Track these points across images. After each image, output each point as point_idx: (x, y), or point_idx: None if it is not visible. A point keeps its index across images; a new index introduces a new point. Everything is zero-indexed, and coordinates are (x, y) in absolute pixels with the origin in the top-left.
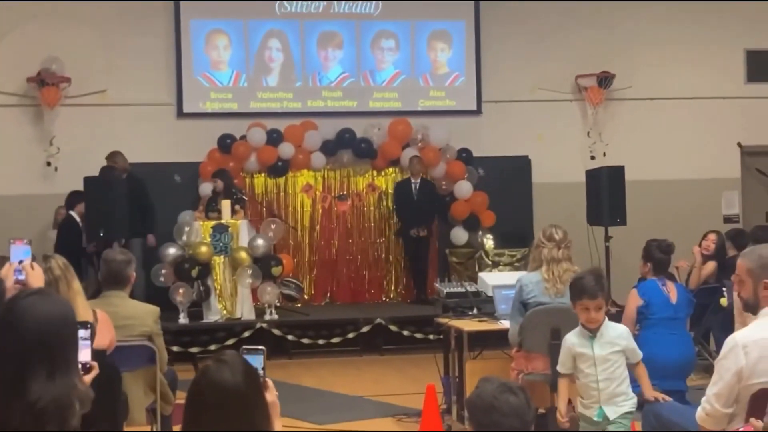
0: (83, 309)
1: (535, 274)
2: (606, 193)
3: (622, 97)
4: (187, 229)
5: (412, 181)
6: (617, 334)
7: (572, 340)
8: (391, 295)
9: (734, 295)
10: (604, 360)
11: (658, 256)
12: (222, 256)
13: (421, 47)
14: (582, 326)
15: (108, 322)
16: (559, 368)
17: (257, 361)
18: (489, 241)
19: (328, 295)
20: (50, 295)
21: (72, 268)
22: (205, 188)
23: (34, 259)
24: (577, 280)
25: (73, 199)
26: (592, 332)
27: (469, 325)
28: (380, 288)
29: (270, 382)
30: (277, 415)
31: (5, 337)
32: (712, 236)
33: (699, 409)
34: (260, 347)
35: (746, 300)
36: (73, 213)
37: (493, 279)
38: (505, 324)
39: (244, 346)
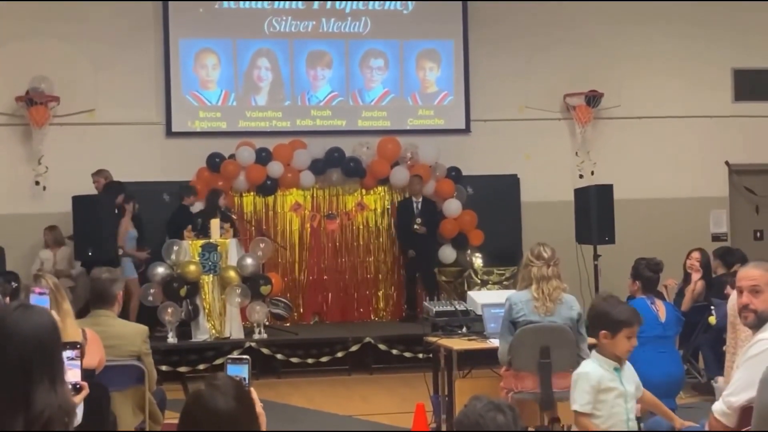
0: (72, 329)
1: (525, 293)
2: (594, 212)
3: (610, 116)
4: (175, 248)
5: (414, 200)
6: (630, 367)
7: (598, 373)
8: (381, 314)
9: (728, 308)
10: (632, 396)
11: (647, 274)
12: (211, 275)
13: (409, 66)
14: (606, 358)
15: (97, 341)
16: (578, 407)
17: (242, 370)
18: (478, 260)
19: (317, 314)
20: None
21: (63, 288)
22: (196, 207)
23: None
24: (613, 309)
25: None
26: (621, 364)
27: (458, 343)
28: (369, 307)
29: (254, 392)
30: (264, 425)
31: (4, 350)
32: (696, 254)
33: (717, 404)
34: (245, 357)
35: (762, 312)
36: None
37: (482, 298)
38: (494, 343)
39: (229, 356)
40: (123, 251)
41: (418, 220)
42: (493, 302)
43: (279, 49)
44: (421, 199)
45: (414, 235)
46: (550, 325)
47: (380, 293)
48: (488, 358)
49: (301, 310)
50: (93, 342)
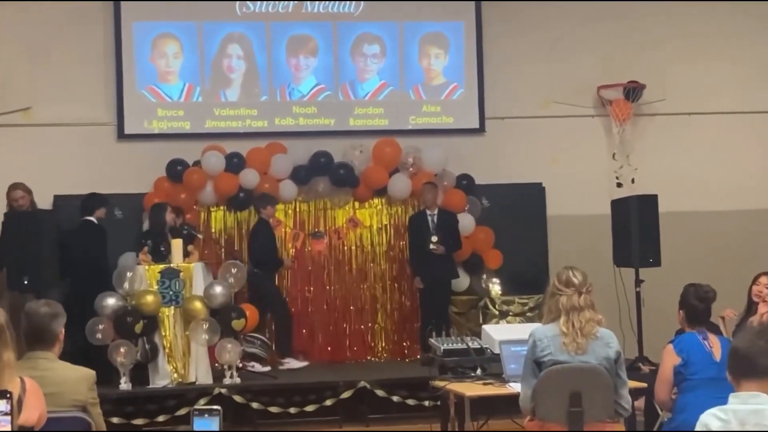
0: (9, 379)
1: (552, 327)
2: (636, 228)
3: (653, 112)
4: (129, 274)
5: (428, 213)
6: None
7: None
8: (378, 354)
9: None
10: None
11: (693, 303)
12: (172, 308)
13: (411, 53)
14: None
15: (38, 393)
16: None
17: (211, 423)
18: (495, 287)
19: (302, 353)
20: None
21: (8, 331)
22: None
23: None
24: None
25: (92, 203)
26: None
27: (471, 389)
28: (364, 344)
29: None
30: None
31: None
32: (764, 279)
33: None
34: (215, 407)
35: None
36: (92, 218)
37: (500, 333)
38: (515, 387)
39: (196, 407)
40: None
41: (434, 238)
42: (514, 338)
43: (254, 33)
44: (436, 212)
45: (430, 256)
46: (582, 365)
47: (378, 328)
48: (508, 405)
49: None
50: (33, 394)
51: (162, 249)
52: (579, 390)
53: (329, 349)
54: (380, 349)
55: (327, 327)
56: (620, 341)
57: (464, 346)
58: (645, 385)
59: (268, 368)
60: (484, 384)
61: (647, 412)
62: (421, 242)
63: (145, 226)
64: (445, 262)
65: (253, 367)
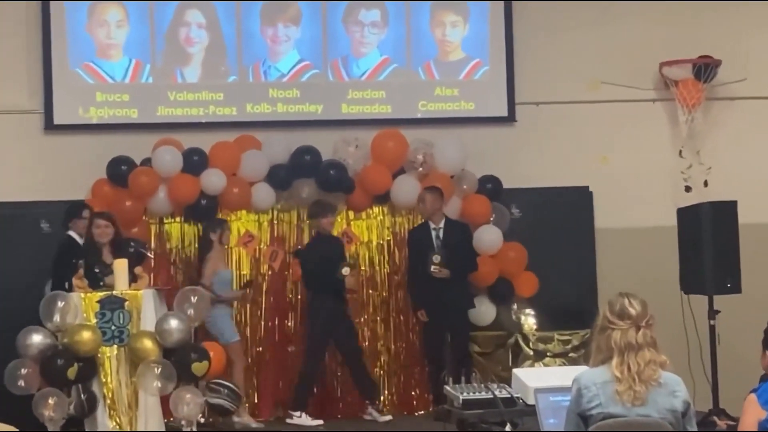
0: None
1: (602, 371)
2: (709, 244)
3: (731, 95)
4: (60, 304)
5: (432, 226)
6: None
7: None
8: (380, 406)
9: None
10: None
11: None
12: (114, 347)
13: (421, 21)
14: None
15: None
16: None
17: None
18: (529, 320)
19: (281, 405)
20: None
21: None
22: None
23: None
24: None
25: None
26: None
27: None
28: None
29: None
30: None
31: None
32: None
33: None
34: None
35: None
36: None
37: (535, 378)
38: None
39: None
40: (218, 298)
41: (436, 258)
42: (553, 385)
43: None
44: (442, 224)
45: (436, 281)
46: (641, 420)
47: (379, 373)
48: None
49: (255, 399)
50: None
51: (96, 270)
52: None
53: (316, 400)
54: (382, 400)
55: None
56: (689, 389)
57: (489, 396)
58: None
59: (319, 422)
60: None
61: None
62: (420, 259)
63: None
64: (457, 289)
65: (299, 416)
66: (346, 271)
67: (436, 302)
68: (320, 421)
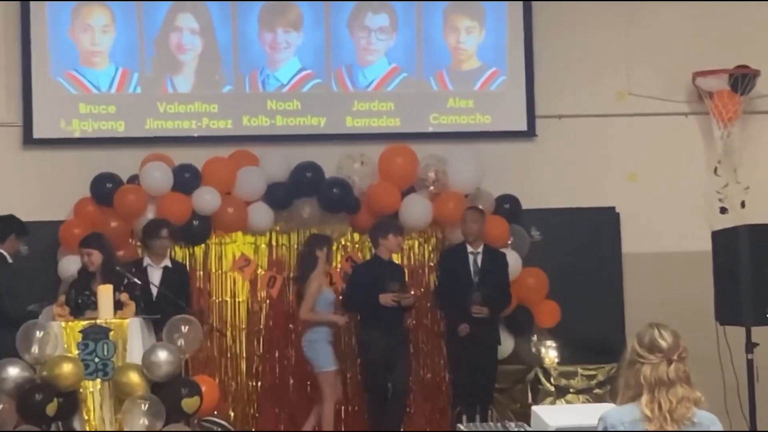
0: None
1: (630, 409)
2: (747, 270)
3: None
4: (39, 334)
5: (470, 250)
6: None
7: None
8: None
9: None
10: None
11: None
12: (98, 381)
13: (433, 26)
14: None
15: None
16: None
17: None
18: (550, 353)
19: None
20: None
21: None
22: (70, 265)
23: None
24: None
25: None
26: None
27: None
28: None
29: None
30: None
31: None
32: None
33: None
34: None
35: None
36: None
37: (556, 416)
38: None
39: None
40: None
41: (477, 295)
42: (576, 425)
43: None
44: (481, 249)
45: (464, 311)
46: None
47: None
48: None
49: None
50: None
51: (79, 301)
52: None
53: None
54: None
55: (315, 407)
56: (726, 429)
57: None
58: None
59: None
60: None
61: None
62: (454, 285)
63: (66, 266)
64: (487, 324)
65: None
66: (394, 285)
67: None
68: None
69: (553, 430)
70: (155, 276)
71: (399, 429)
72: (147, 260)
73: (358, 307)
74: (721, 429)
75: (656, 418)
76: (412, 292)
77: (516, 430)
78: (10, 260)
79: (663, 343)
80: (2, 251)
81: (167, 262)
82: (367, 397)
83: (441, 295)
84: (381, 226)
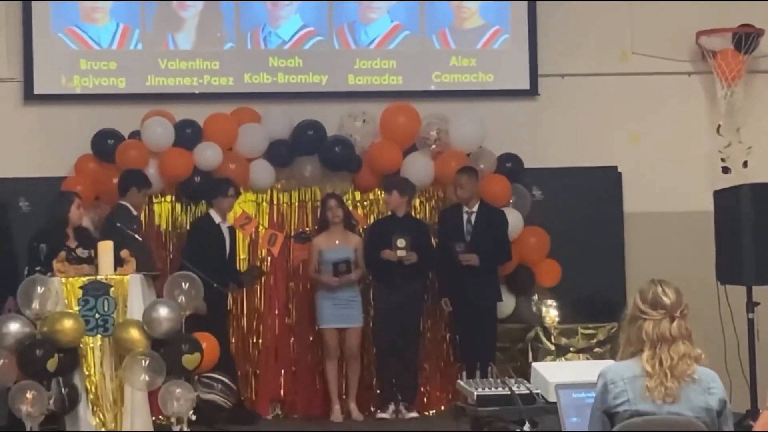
0: None
1: (630, 365)
2: (749, 230)
3: None
4: (39, 289)
5: (465, 209)
6: None
7: None
8: (389, 405)
9: None
10: None
11: None
12: (98, 337)
13: None
14: None
15: None
16: None
17: None
18: (551, 312)
19: (278, 402)
20: None
21: None
22: (72, 220)
23: None
24: None
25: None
26: None
27: None
28: (368, 391)
29: None
30: None
31: None
32: None
33: None
34: None
35: None
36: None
37: (556, 373)
38: None
39: None
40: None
41: (400, 242)
42: (576, 381)
43: None
44: (476, 208)
45: (462, 270)
46: (673, 418)
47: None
48: None
49: (252, 395)
50: None
51: (73, 255)
52: None
53: (318, 396)
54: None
55: (315, 366)
56: (726, 388)
57: (506, 392)
58: None
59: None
60: None
61: None
62: (450, 244)
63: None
64: (485, 279)
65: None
66: (401, 243)
67: (463, 293)
68: (415, 414)
69: (553, 386)
70: (226, 234)
71: (413, 385)
72: (217, 217)
73: (368, 263)
74: (721, 386)
75: (657, 374)
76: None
77: (516, 386)
78: (134, 212)
79: (666, 300)
80: (126, 203)
81: (228, 222)
82: (374, 353)
83: (439, 254)
84: (388, 183)
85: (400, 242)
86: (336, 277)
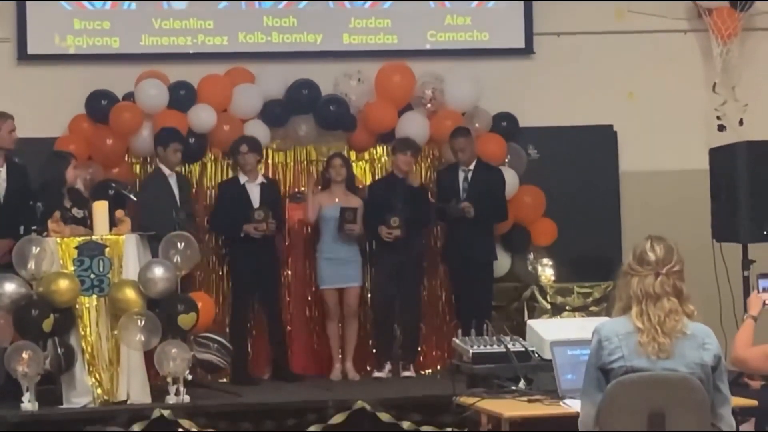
0: None
1: (624, 321)
2: (744, 188)
3: None
4: (34, 250)
5: (462, 168)
6: None
7: None
8: (385, 364)
9: None
10: None
11: None
12: (94, 297)
13: None
14: None
15: None
16: None
17: None
18: (546, 271)
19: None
20: None
21: None
22: (68, 181)
23: None
24: None
25: None
26: None
27: (512, 407)
28: (363, 350)
29: None
30: None
31: None
32: None
33: None
34: None
35: None
36: None
37: (551, 330)
38: (572, 405)
39: None
40: None
41: (394, 221)
42: (571, 338)
43: None
44: (473, 166)
45: (457, 229)
46: (667, 374)
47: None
48: (562, 430)
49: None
50: None
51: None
52: (662, 408)
53: (314, 356)
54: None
55: (310, 327)
56: (721, 345)
57: (502, 349)
58: (755, 403)
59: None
60: (530, 401)
61: None
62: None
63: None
64: (481, 238)
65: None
66: (395, 222)
67: (459, 252)
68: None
69: (549, 343)
70: (254, 192)
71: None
72: (243, 177)
73: (366, 225)
74: (716, 342)
75: (647, 329)
76: None
77: (511, 344)
78: (168, 172)
79: (651, 256)
80: (161, 164)
81: (261, 179)
82: (371, 313)
83: (437, 213)
84: (401, 144)
85: (394, 221)
86: (343, 224)
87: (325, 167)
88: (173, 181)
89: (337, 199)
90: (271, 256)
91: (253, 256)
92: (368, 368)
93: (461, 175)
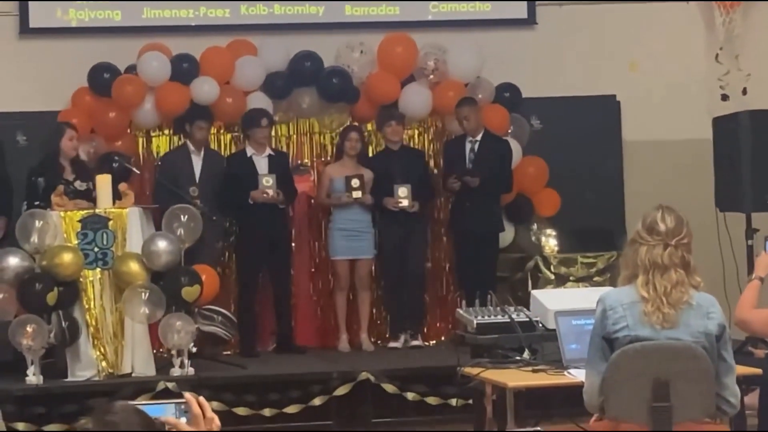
0: None
1: (629, 291)
2: (748, 157)
3: None
4: (38, 223)
5: (469, 139)
6: None
7: None
8: (387, 335)
9: None
10: None
11: None
12: (98, 270)
13: None
14: None
15: None
16: None
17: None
18: (550, 241)
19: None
20: None
21: None
22: (64, 151)
23: None
24: None
25: None
26: None
27: (516, 377)
28: (368, 322)
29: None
30: None
31: None
32: None
33: None
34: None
35: None
36: None
37: (555, 300)
38: (576, 375)
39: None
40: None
41: (402, 191)
42: (575, 308)
43: None
44: (479, 137)
45: (464, 201)
46: (671, 343)
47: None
48: (566, 401)
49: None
50: None
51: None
52: (666, 377)
53: (318, 327)
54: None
55: (314, 299)
56: (724, 313)
57: (506, 320)
58: (760, 371)
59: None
60: (534, 371)
61: (763, 410)
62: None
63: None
64: (487, 209)
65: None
66: (403, 192)
67: (464, 224)
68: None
69: (553, 313)
70: (261, 165)
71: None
72: (250, 150)
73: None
74: (720, 311)
75: (652, 299)
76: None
77: (516, 314)
78: (192, 148)
79: (662, 226)
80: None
81: (270, 151)
82: (382, 285)
83: (443, 184)
84: (384, 115)
85: (402, 191)
86: (349, 190)
87: (340, 140)
88: (197, 159)
89: (348, 172)
90: (284, 227)
91: (264, 226)
92: (379, 341)
93: (468, 146)
